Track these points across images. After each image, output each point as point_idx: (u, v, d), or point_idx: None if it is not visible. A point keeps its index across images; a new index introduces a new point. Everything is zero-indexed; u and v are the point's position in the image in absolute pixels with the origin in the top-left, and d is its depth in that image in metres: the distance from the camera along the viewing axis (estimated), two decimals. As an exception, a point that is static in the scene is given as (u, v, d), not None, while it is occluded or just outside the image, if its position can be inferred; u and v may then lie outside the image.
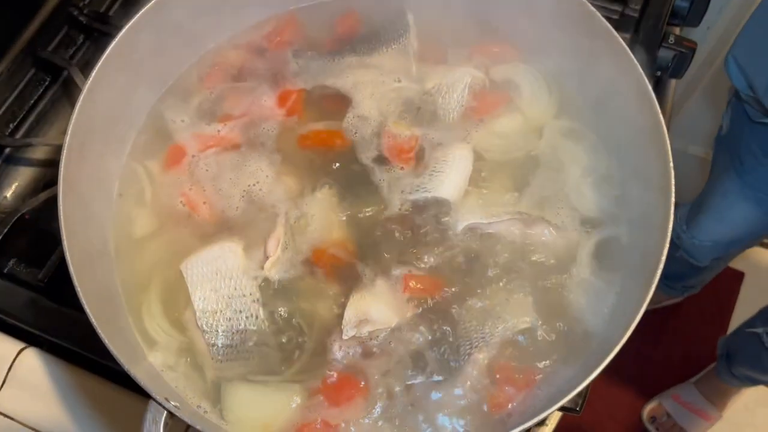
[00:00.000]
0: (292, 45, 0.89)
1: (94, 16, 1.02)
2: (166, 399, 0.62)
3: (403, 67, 0.86)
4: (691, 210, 1.58)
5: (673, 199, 0.69)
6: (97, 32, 1.02)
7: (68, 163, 0.70)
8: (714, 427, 1.94)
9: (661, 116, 0.72)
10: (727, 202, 1.40)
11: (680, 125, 1.92)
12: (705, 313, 2.12)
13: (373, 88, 0.85)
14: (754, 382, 1.77)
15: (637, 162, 0.77)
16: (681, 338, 2.10)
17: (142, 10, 0.74)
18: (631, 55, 0.75)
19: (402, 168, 0.81)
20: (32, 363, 0.87)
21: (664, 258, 0.66)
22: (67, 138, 0.70)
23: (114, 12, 1.06)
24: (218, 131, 0.83)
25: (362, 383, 0.71)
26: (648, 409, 1.98)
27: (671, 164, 0.69)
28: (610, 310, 0.74)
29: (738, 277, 2.16)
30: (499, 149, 0.83)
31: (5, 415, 0.84)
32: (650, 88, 0.74)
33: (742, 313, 2.11)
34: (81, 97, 0.71)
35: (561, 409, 0.81)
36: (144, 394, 0.62)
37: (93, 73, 0.72)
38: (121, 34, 0.74)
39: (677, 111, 1.89)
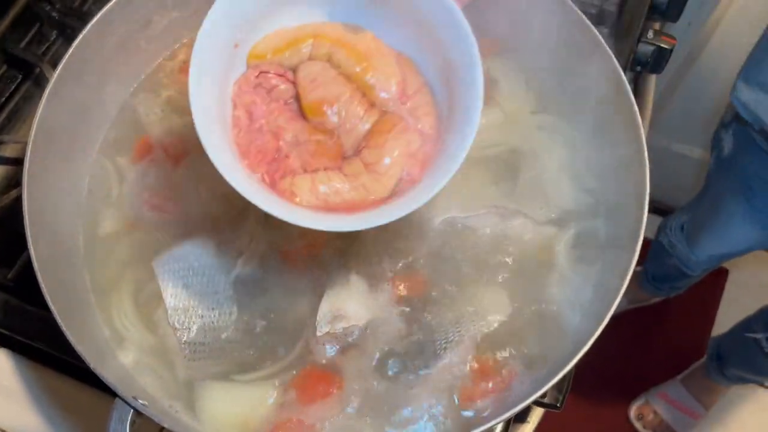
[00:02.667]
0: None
1: (67, 12, 1.01)
2: (134, 397, 0.61)
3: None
4: (690, 226, 1.56)
5: (648, 191, 0.68)
6: (70, 28, 1.01)
7: (33, 159, 0.69)
8: (700, 423, 1.95)
9: (636, 109, 0.72)
10: (732, 224, 1.37)
11: (663, 123, 1.93)
12: (690, 311, 2.13)
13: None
14: (745, 381, 1.78)
15: (613, 155, 0.76)
16: (666, 336, 2.10)
17: (109, 4, 0.73)
18: (607, 47, 0.75)
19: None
20: (3, 364, 0.85)
21: (638, 250, 0.66)
22: (32, 133, 0.69)
23: (87, 8, 1.05)
24: (184, 126, 0.82)
25: (337, 379, 0.70)
26: (635, 407, 1.98)
27: (646, 155, 0.69)
28: (587, 304, 0.73)
29: (723, 274, 2.17)
30: (477, 143, 0.82)
31: (-25, 418, 0.83)
32: (626, 80, 0.73)
33: (727, 310, 2.12)
34: (46, 92, 0.70)
35: (541, 405, 0.80)
36: (116, 394, 0.61)
37: (59, 68, 0.71)
38: (87, 28, 0.72)
39: (660, 109, 1.90)
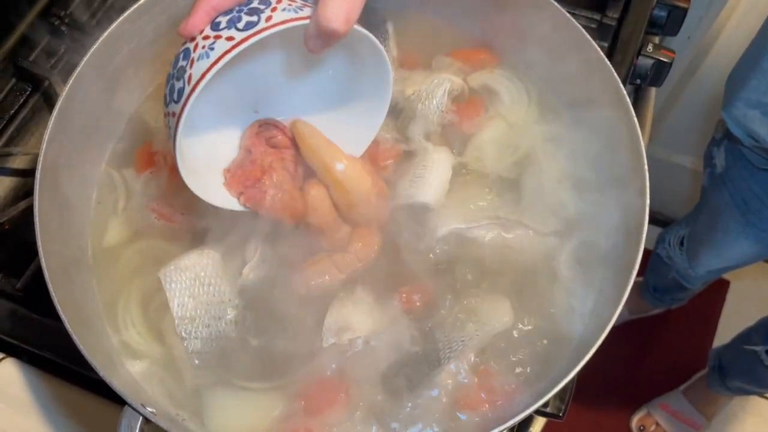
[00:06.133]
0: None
1: (76, 26, 1.02)
2: (142, 405, 0.62)
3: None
4: (688, 241, 1.57)
5: (647, 203, 0.69)
6: (79, 42, 1.02)
7: (45, 171, 0.70)
8: (702, 435, 1.95)
9: (636, 122, 0.73)
10: (729, 239, 1.39)
11: (664, 135, 1.94)
12: (692, 322, 2.13)
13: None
14: (748, 393, 1.78)
15: (614, 166, 0.77)
16: (668, 346, 2.10)
17: (119, 20, 0.74)
18: (607, 60, 0.76)
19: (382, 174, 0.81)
20: (11, 373, 0.86)
21: (638, 261, 0.67)
22: (44, 146, 0.70)
23: (96, 22, 1.06)
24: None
25: (343, 389, 0.71)
26: (637, 418, 1.98)
27: (646, 167, 0.70)
28: (589, 313, 0.74)
29: (724, 285, 2.18)
30: (479, 154, 0.84)
31: (-17, 427, 0.83)
32: (625, 93, 0.75)
33: (728, 321, 2.12)
34: (58, 106, 0.71)
35: (543, 414, 0.81)
36: (123, 404, 0.62)
37: (70, 82, 0.72)
38: (97, 42, 0.74)
39: (660, 120, 1.91)
